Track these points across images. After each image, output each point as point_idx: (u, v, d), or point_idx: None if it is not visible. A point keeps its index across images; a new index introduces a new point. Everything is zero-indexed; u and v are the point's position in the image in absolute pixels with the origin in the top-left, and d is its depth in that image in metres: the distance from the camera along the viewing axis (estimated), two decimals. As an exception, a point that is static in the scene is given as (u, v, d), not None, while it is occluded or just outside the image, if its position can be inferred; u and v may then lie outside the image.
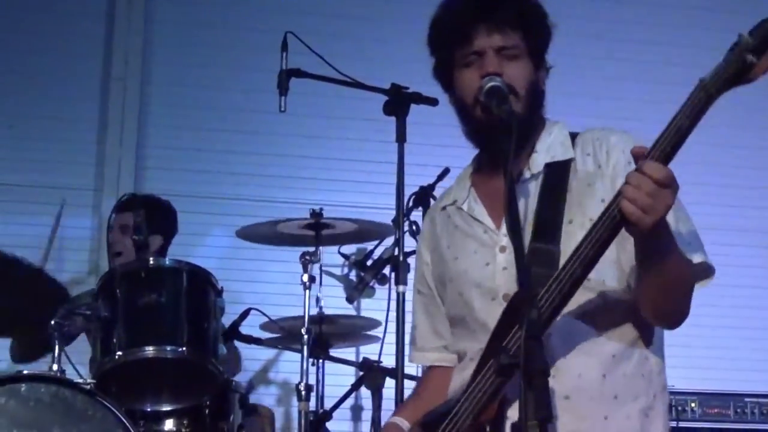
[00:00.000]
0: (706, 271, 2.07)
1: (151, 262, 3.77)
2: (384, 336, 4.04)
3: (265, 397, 5.14)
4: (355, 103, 4.55)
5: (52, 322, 3.39)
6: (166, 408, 3.70)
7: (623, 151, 2.08)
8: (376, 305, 4.60)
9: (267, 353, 5.00)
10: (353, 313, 5.03)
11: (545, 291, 1.90)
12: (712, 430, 4.62)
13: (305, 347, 3.85)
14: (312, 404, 4.02)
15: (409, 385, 3.50)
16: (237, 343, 4.31)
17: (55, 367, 3.33)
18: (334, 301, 4.85)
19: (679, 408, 4.57)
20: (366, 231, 4.43)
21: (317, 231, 4.23)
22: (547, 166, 2.18)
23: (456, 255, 2.25)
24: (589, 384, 2.04)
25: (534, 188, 2.16)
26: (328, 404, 4.39)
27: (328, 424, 4.26)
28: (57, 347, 3.36)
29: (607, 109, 5.37)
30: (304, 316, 3.90)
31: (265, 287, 5.07)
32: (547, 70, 2.24)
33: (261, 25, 5.33)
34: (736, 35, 1.76)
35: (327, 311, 4.38)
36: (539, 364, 1.66)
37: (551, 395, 1.96)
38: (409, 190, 4.09)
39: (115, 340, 3.43)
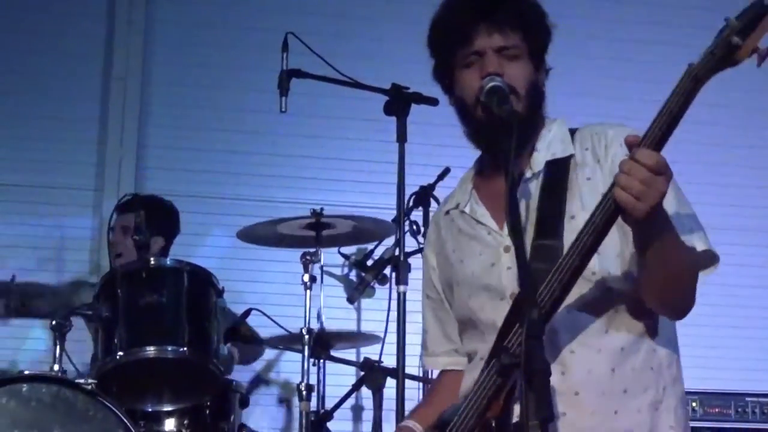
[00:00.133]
0: (711, 258, 2.05)
1: (152, 262, 3.78)
2: (385, 336, 4.04)
3: (265, 397, 5.14)
4: (355, 103, 4.53)
5: (53, 322, 3.40)
6: (167, 408, 3.71)
7: (621, 144, 2.07)
8: (376, 305, 4.61)
9: (268, 353, 4.99)
10: (353, 327, 5.06)
11: (546, 283, 1.90)
12: (713, 430, 4.61)
13: (306, 347, 3.85)
14: (313, 404, 4.02)
15: (410, 385, 3.51)
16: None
17: (56, 367, 3.33)
18: (335, 301, 4.85)
19: (680, 408, 4.56)
20: (366, 231, 4.42)
21: (318, 231, 4.22)
22: (548, 163, 2.18)
23: (462, 258, 2.26)
24: (598, 379, 2.04)
25: (535, 187, 2.16)
26: (329, 404, 4.39)
27: (329, 424, 4.25)
28: (57, 347, 3.37)
29: (607, 109, 5.35)
30: (304, 316, 3.90)
31: (266, 287, 5.06)
32: (546, 71, 2.24)
33: (261, 25, 5.33)
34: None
35: (327, 311, 4.37)
36: (540, 363, 1.65)
37: (561, 392, 1.98)
38: (410, 190, 4.09)
39: (116, 340, 3.44)
